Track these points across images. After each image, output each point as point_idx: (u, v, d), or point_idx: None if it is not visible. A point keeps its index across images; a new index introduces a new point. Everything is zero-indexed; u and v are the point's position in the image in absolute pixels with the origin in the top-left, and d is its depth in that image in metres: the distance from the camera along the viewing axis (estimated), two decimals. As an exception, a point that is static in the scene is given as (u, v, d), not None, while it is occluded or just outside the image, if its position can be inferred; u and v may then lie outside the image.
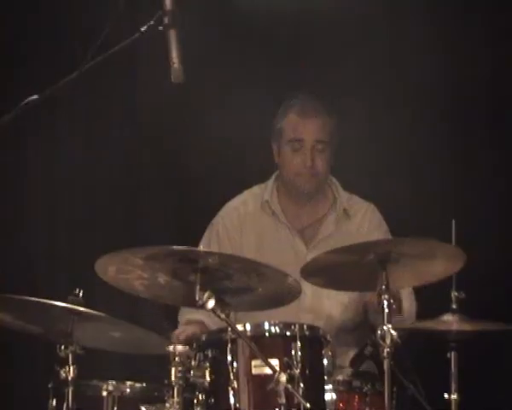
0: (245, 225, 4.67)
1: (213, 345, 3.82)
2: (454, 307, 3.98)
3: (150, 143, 5.55)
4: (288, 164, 4.62)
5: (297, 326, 3.79)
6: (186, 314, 4.53)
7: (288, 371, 3.65)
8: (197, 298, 3.62)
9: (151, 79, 5.07)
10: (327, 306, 4.48)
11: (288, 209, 4.68)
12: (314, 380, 3.79)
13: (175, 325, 4.53)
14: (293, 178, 4.62)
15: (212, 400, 3.78)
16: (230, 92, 5.36)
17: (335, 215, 4.66)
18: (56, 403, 3.91)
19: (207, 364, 3.80)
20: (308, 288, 4.07)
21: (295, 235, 4.65)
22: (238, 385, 3.72)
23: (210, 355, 3.80)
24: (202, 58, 5.17)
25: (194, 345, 3.93)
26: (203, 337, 3.93)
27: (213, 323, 4.28)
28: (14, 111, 3.47)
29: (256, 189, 4.78)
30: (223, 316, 3.62)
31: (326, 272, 3.94)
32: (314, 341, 3.83)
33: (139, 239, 4.10)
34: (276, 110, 4.74)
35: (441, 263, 3.88)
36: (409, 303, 4.31)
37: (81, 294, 3.87)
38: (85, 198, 5.57)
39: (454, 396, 3.96)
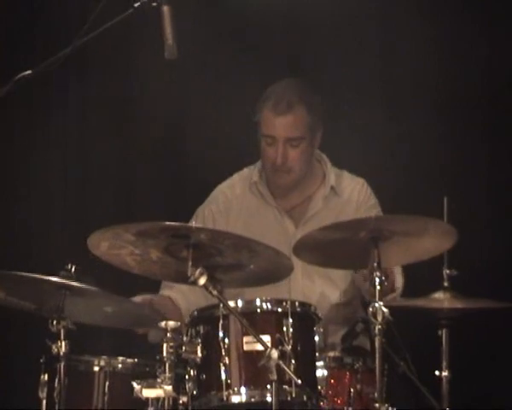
0: (232, 209, 4.66)
1: (205, 321, 3.83)
2: (446, 284, 4.05)
3: (146, 125, 5.52)
4: (264, 157, 4.62)
5: (289, 303, 3.79)
6: (162, 291, 4.56)
7: (280, 347, 3.64)
8: (189, 274, 3.64)
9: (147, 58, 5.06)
10: (318, 284, 4.47)
11: (278, 191, 4.68)
12: (305, 357, 3.80)
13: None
14: (269, 173, 4.63)
15: (204, 376, 3.77)
16: (227, 82, 5.33)
17: (324, 192, 4.65)
18: (48, 378, 3.90)
19: (199, 340, 3.81)
20: (299, 267, 4.06)
21: (284, 215, 4.65)
22: (230, 361, 3.74)
23: (202, 331, 3.81)
24: (200, 49, 5.18)
25: (187, 321, 3.97)
26: (195, 313, 3.92)
27: (183, 301, 4.44)
28: (7, 86, 3.49)
29: (245, 171, 4.77)
30: (215, 292, 3.63)
31: (318, 250, 3.95)
32: (306, 317, 3.85)
33: (132, 216, 4.10)
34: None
35: (433, 240, 3.88)
36: (400, 281, 4.29)
37: (73, 269, 3.88)
38: (79, 176, 5.55)
39: (445, 373, 4.04)
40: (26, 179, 5.50)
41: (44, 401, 3.90)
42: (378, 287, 3.74)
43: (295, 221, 4.63)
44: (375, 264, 3.75)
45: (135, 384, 3.79)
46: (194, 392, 3.78)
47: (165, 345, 3.77)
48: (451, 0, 5.62)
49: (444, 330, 4.01)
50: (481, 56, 5.52)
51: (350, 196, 4.64)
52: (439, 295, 4.03)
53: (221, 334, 3.75)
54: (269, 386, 3.57)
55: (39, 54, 3.80)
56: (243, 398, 3.72)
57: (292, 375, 3.58)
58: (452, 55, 5.53)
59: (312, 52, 5.67)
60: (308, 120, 4.55)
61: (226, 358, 3.74)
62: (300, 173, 4.59)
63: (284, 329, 3.74)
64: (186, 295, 4.48)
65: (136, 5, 3.65)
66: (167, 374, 3.75)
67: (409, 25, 5.53)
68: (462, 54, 5.50)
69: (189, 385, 3.79)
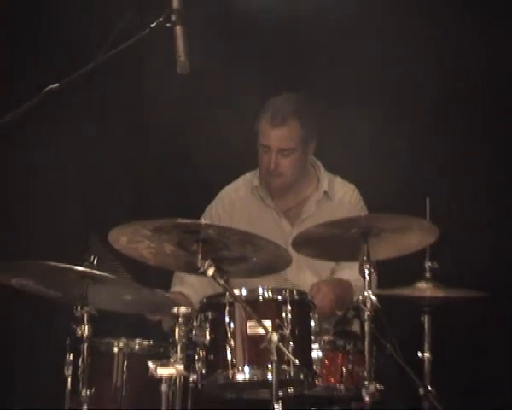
0: (236, 209, 4.66)
1: (213, 307, 3.83)
2: (427, 275, 3.99)
3: (160, 132, 5.49)
4: (260, 163, 4.61)
5: (287, 291, 3.81)
6: (174, 287, 4.58)
7: (280, 331, 3.66)
8: (199, 266, 3.65)
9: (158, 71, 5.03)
10: (308, 275, 4.46)
11: (274, 193, 4.68)
12: (302, 340, 3.80)
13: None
14: (264, 176, 4.63)
15: (212, 356, 3.78)
16: (234, 94, 5.28)
17: (317, 197, 4.65)
18: (73, 358, 3.92)
19: (207, 324, 3.81)
20: (293, 263, 4.01)
21: (281, 216, 4.65)
22: (235, 344, 3.75)
23: (210, 317, 3.82)
24: (205, 56, 5.04)
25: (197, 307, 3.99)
26: (204, 300, 3.93)
27: (195, 295, 4.42)
28: (36, 98, 3.51)
29: (248, 175, 4.76)
30: (222, 282, 3.65)
31: (315, 244, 3.97)
32: (303, 304, 3.85)
33: (147, 214, 4.11)
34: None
35: (417, 236, 3.90)
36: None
37: (95, 261, 3.89)
38: (99, 177, 5.51)
39: (427, 355, 3.99)
40: (47, 178, 5.42)
41: (69, 379, 3.91)
42: (367, 278, 3.76)
43: (291, 221, 4.64)
44: (365, 257, 3.77)
45: (150, 364, 3.76)
46: (203, 371, 3.79)
47: (177, 329, 3.76)
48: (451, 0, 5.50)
49: (426, 317, 3.98)
50: (471, 56, 5.34)
51: (341, 200, 4.64)
52: (421, 284, 4.01)
53: (227, 319, 3.77)
54: (270, 366, 3.56)
55: (64, 69, 3.79)
56: (247, 376, 3.72)
57: (290, 356, 3.61)
58: (439, 57, 5.40)
59: (312, 53, 5.56)
60: (301, 133, 4.54)
61: (232, 340, 3.75)
62: (292, 178, 4.60)
63: (283, 315, 3.75)
64: (195, 289, 4.50)
65: (152, 25, 3.61)
66: (179, 355, 3.74)
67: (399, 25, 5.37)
68: (452, 54, 5.38)
69: (198, 365, 3.80)
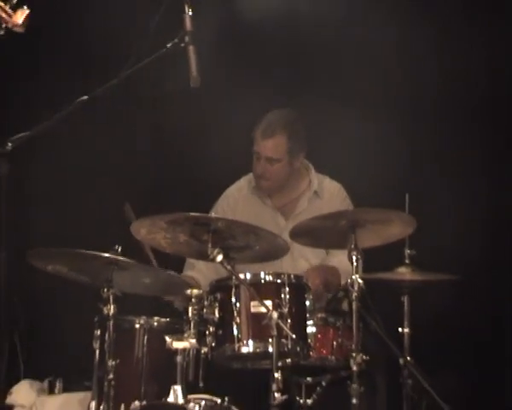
0: (238, 206, 4.64)
1: (221, 289, 3.85)
2: (407, 261, 4.01)
3: (174, 137, 5.45)
4: (253, 167, 4.61)
5: (286, 275, 3.83)
6: (185, 272, 4.57)
7: (279, 310, 3.69)
8: (209, 253, 3.67)
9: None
10: (300, 262, 4.45)
11: (262, 190, 4.66)
12: (298, 317, 3.83)
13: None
14: (255, 178, 4.64)
15: (220, 331, 3.81)
16: (238, 104, 5.24)
17: (308, 195, 4.64)
18: (100, 333, 3.91)
19: (216, 304, 3.84)
20: (289, 253, 4.03)
21: (277, 212, 4.64)
22: (240, 320, 3.77)
23: (218, 297, 3.84)
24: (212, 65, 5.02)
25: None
26: (214, 283, 3.94)
27: (205, 279, 4.39)
28: (69, 108, 3.56)
29: (249, 176, 4.72)
30: (229, 267, 3.68)
31: (309, 235, 3.97)
32: (299, 287, 3.87)
33: (164, 209, 4.13)
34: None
35: (397, 227, 3.89)
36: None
37: (119, 249, 3.86)
38: (120, 176, 5.51)
39: (406, 330, 3.99)
40: (77, 177, 5.43)
41: (97, 351, 3.92)
42: (355, 263, 3.76)
43: (286, 216, 4.63)
44: (353, 246, 3.77)
45: (167, 338, 3.77)
46: (213, 344, 3.81)
47: (190, 308, 3.80)
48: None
49: (405, 297, 4.01)
50: (456, 57, 5.19)
51: (329, 198, 4.62)
52: (401, 269, 4.02)
53: (233, 299, 3.80)
54: (270, 340, 3.60)
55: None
56: (250, 349, 3.76)
57: (288, 331, 3.65)
58: (421, 56, 5.27)
59: (311, 52, 5.46)
60: (288, 146, 4.53)
61: (237, 318, 3.78)
62: (277, 183, 4.60)
63: (282, 295, 3.78)
64: (204, 274, 4.48)
65: (168, 45, 3.68)
66: (192, 330, 3.77)
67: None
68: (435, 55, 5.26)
69: (208, 339, 3.82)
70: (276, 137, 4.53)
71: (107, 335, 3.86)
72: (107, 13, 5.19)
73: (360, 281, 3.75)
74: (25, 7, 2.77)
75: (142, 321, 4.05)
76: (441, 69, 5.24)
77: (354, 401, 3.69)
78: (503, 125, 5.23)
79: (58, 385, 4.87)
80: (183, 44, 3.67)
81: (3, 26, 2.73)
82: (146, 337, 4.04)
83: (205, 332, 3.84)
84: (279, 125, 4.55)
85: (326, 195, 4.65)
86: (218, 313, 3.83)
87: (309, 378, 3.96)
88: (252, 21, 5.26)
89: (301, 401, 3.93)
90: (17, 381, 4.85)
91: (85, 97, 3.69)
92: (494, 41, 5.15)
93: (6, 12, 2.73)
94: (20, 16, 2.76)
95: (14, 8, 2.76)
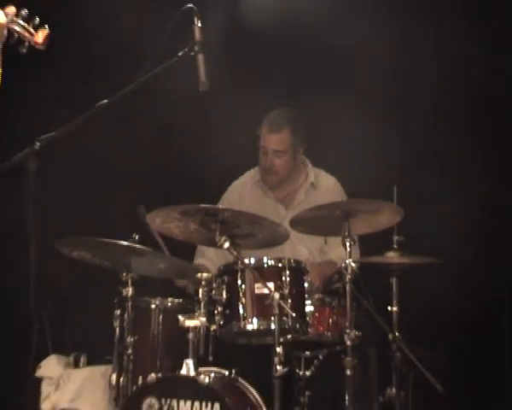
0: (243, 199, 4.62)
1: (228, 273, 3.87)
2: (395, 246, 4.00)
3: (186, 138, 5.37)
4: (259, 162, 4.62)
5: (286, 260, 3.84)
6: (197, 260, 4.57)
7: (280, 291, 3.71)
8: (217, 241, 3.69)
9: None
10: (302, 251, 4.44)
11: (267, 182, 4.65)
12: (298, 297, 3.83)
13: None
14: (261, 173, 4.63)
15: (228, 311, 3.82)
16: (243, 104, 5.13)
17: (306, 187, 4.63)
18: (120, 313, 3.94)
19: (224, 286, 3.85)
20: (289, 240, 4.01)
21: (278, 203, 4.64)
22: (245, 301, 3.79)
23: (226, 280, 3.86)
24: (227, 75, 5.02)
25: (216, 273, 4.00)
26: (221, 267, 3.95)
27: (214, 264, 4.38)
28: (88, 112, 3.57)
29: (252, 171, 4.73)
30: (235, 253, 3.70)
31: (307, 223, 3.98)
32: (298, 270, 3.88)
33: (176, 200, 4.13)
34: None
35: (386, 216, 3.90)
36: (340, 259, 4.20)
37: (137, 237, 3.92)
38: (135, 176, 5.45)
39: (395, 308, 3.99)
40: (100, 175, 5.38)
41: (117, 329, 3.93)
42: (348, 249, 3.76)
43: (286, 207, 4.62)
44: (346, 233, 3.78)
45: (180, 317, 3.79)
46: (221, 322, 3.82)
47: (200, 290, 3.81)
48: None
49: (394, 279, 4.01)
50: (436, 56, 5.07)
51: (325, 190, 4.60)
52: (390, 254, 4.01)
53: (239, 282, 3.81)
54: (272, 318, 3.62)
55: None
56: (255, 326, 3.76)
57: (289, 310, 3.67)
58: (406, 55, 5.09)
59: (311, 50, 5.32)
60: (292, 140, 4.54)
61: (243, 298, 3.79)
62: (283, 175, 4.59)
63: (283, 278, 3.79)
64: (213, 259, 4.47)
65: (179, 54, 3.62)
66: (202, 310, 3.78)
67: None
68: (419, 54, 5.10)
69: (217, 318, 3.83)
70: (282, 131, 4.53)
71: (126, 314, 3.90)
72: (108, 13, 5.11)
73: (353, 265, 3.77)
74: (46, 26, 2.75)
75: (157, 302, 4.05)
76: (441, 69, 5.13)
77: (348, 372, 3.70)
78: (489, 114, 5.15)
79: (82, 359, 4.86)
80: (192, 53, 3.62)
81: (26, 44, 2.70)
82: (161, 316, 4.04)
83: (213, 311, 3.85)
84: (283, 121, 4.56)
85: (322, 187, 4.64)
86: (226, 295, 3.84)
87: (307, 352, 3.96)
88: (253, 24, 5.20)
89: (300, 372, 3.92)
90: (46, 356, 4.84)
91: (105, 101, 3.65)
92: (494, 41, 5.02)
93: (29, 31, 2.70)
94: (42, 35, 2.73)
95: (36, 28, 2.72)
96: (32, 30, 2.69)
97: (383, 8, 5.13)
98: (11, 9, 2.65)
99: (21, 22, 2.68)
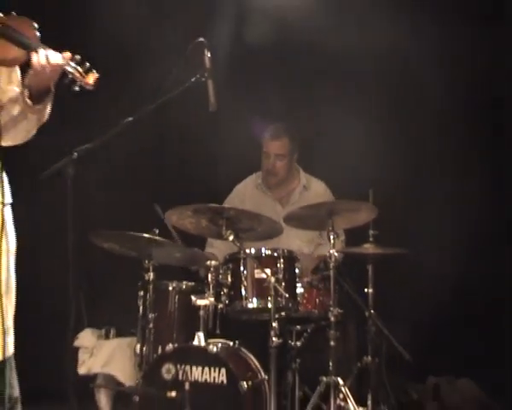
0: (245, 200, 4.58)
1: (232, 261, 3.89)
2: (371, 239, 4.02)
3: (200, 146, 5.28)
4: (262, 165, 4.60)
5: (281, 250, 3.87)
6: (207, 249, 4.54)
7: (275, 275, 3.74)
8: (223, 234, 3.74)
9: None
10: (294, 243, 4.39)
11: (269, 184, 4.63)
12: (290, 281, 3.86)
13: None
14: (264, 175, 4.61)
15: (232, 292, 3.85)
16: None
17: (299, 189, 4.62)
18: (143, 293, 3.94)
19: (229, 272, 3.87)
20: (283, 233, 3.99)
21: (276, 202, 4.62)
22: (247, 284, 3.82)
23: (231, 267, 3.88)
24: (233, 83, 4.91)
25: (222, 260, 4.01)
26: (227, 256, 3.95)
27: (220, 253, 4.34)
28: (116, 128, 3.53)
29: (254, 175, 4.71)
30: (238, 244, 3.74)
31: (299, 219, 3.99)
32: (290, 259, 3.89)
33: (189, 200, 4.17)
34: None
35: (364, 214, 3.91)
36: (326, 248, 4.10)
37: (157, 231, 3.92)
38: (156, 180, 5.42)
39: (370, 290, 4.01)
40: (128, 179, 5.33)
41: (141, 307, 3.95)
42: (332, 241, 3.78)
43: (282, 205, 4.59)
44: (330, 228, 3.81)
45: (193, 297, 3.83)
46: (227, 302, 3.85)
47: (209, 275, 3.88)
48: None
49: (370, 266, 4.02)
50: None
51: (315, 192, 4.57)
52: (366, 245, 4.02)
53: (242, 268, 3.84)
54: (269, 298, 3.66)
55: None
56: (254, 305, 3.79)
57: (283, 291, 3.70)
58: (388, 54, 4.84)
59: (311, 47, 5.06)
60: (290, 147, 4.54)
61: (245, 282, 3.82)
62: (283, 176, 4.58)
63: (278, 265, 3.82)
64: (220, 249, 4.44)
65: (192, 79, 3.63)
66: (211, 291, 3.84)
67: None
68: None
69: (223, 298, 3.85)
70: (282, 139, 4.52)
71: (148, 295, 3.91)
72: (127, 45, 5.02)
73: (336, 254, 3.79)
74: (94, 71, 2.72)
75: (174, 284, 4.05)
76: (440, 71, 4.91)
77: (332, 343, 3.72)
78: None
79: (112, 332, 4.87)
80: (203, 79, 3.64)
81: (78, 84, 2.67)
82: (177, 297, 4.04)
83: (220, 293, 3.87)
84: (283, 130, 4.55)
85: (313, 189, 4.60)
86: (230, 279, 3.86)
87: (298, 327, 3.96)
88: (253, 42, 5.09)
89: (292, 343, 3.94)
90: (82, 329, 4.86)
91: (131, 119, 3.67)
92: (495, 41, 4.77)
93: (81, 73, 2.66)
94: (92, 78, 2.70)
95: (87, 71, 2.69)
96: (83, 72, 2.67)
97: (386, 10, 4.89)
98: (67, 54, 2.65)
99: (75, 65, 2.67)
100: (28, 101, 2.64)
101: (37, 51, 2.59)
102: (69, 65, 2.63)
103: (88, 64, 2.66)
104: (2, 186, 2.62)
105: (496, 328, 4.77)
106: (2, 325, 2.44)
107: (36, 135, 2.81)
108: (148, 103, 3.58)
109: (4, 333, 2.48)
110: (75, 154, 3.87)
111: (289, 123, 4.69)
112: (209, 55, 3.65)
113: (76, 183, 3.74)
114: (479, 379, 4.55)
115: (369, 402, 3.87)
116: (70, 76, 2.63)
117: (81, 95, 2.74)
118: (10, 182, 2.71)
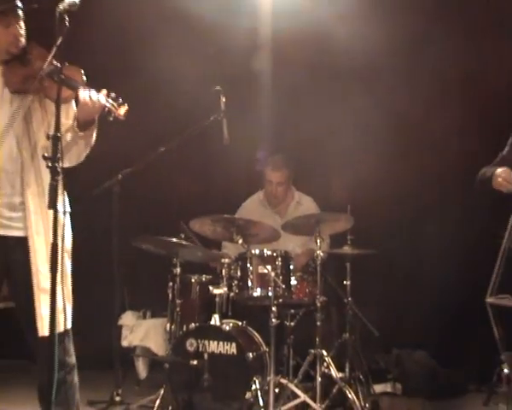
0: (251, 212, 4.44)
1: (241, 259, 3.88)
2: (349, 242, 3.98)
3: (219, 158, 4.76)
4: (266, 190, 4.52)
5: (279, 251, 3.84)
6: (222, 250, 4.46)
7: (275, 271, 3.73)
8: (234, 238, 3.74)
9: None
10: (289, 246, 4.24)
11: (271, 202, 4.55)
12: (286, 275, 3.83)
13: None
14: (267, 197, 4.52)
15: (241, 283, 3.83)
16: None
17: (293, 204, 4.54)
18: (172, 284, 3.91)
19: (239, 267, 3.85)
20: (281, 238, 3.96)
21: (276, 215, 4.52)
22: (252, 277, 3.80)
23: (240, 264, 3.86)
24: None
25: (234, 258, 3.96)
26: (237, 256, 3.94)
27: (232, 253, 4.26)
28: (153, 154, 3.57)
29: (257, 193, 4.61)
30: (245, 246, 3.74)
31: (293, 227, 3.96)
32: (286, 258, 3.86)
33: (209, 211, 3.88)
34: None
35: (343, 223, 3.89)
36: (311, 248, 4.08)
37: (183, 236, 3.95)
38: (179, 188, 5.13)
39: (348, 282, 3.97)
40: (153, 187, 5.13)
41: (170, 295, 3.92)
42: (319, 244, 3.72)
43: (281, 217, 4.48)
44: (317, 233, 3.77)
45: (210, 287, 3.84)
46: (237, 291, 3.83)
47: (223, 270, 3.88)
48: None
49: (348, 263, 3.98)
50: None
51: (306, 206, 4.48)
52: (346, 247, 3.97)
53: (248, 265, 3.82)
54: (270, 288, 3.65)
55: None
56: (258, 294, 3.78)
57: (280, 283, 3.70)
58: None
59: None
60: (287, 175, 4.48)
61: (251, 276, 3.80)
62: (283, 198, 4.52)
63: (277, 263, 3.80)
64: (232, 250, 4.36)
65: (211, 118, 3.77)
66: (225, 283, 3.84)
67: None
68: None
69: (234, 288, 3.84)
70: (282, 170, 4.44)
71: (175, 285, 3.88)
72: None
73: (321, 254, 3.76)
74: (126, 104, 2.69)
75: (196, 277, 4.05)
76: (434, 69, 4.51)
77: (318, 324, 3.72)
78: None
79: (148, 314, 4.87)
80: (219, 118, 3.77)
81: (112, 115, 2.66)
82: (198, 287, 4.04)
83: (232, 284, 3.86)
84: (282, 163, 4.47)
85: (304, 204, 4.52)
86: (240, 273, 3.84)
87: (292, 311, 3.95)
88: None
89: (287, 323, 3.92)
90: (124, 311, 4.85)
91: (163, 149, 3.82)
92: (495, 42, 4.32)
93: (115, 107, 2.67)
94: (123, 110, 2.65)
95: (120, 105, 2.68)
96: (116, 106, 2.68)
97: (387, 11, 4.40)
98: (104, 92, 2.67)
99: (110, 100, 2.68)
100: (76, 129, 2.67)
101: (83, 91, 2.63)
102: (107, 101, 2.66)
103: (121, 99, 2.68)
104: (64, 199, 2.67)
105: (445, 308, 4.62)
106: (64, 303, 2.50)
107: (86, 159, 2.81)
108: (177, 136, 3.71)
109: (65, 310, 2.54)
110: (120, 175, 4.01)
111: (287, 155, 4.56)
112: (224, 100, 3.73)
113: (121, 199, 3.83)
114: (431, 351, 4.48)
115: (347, 369, 3.87)
116: (107, 109, 2.65)
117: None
118: (69, 195, 2.75)
